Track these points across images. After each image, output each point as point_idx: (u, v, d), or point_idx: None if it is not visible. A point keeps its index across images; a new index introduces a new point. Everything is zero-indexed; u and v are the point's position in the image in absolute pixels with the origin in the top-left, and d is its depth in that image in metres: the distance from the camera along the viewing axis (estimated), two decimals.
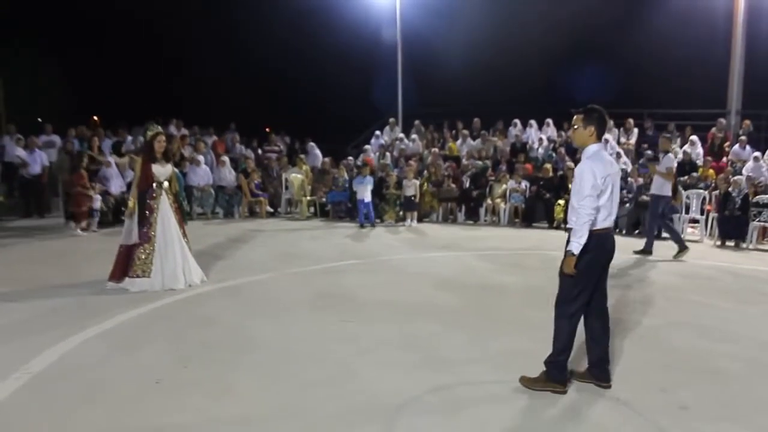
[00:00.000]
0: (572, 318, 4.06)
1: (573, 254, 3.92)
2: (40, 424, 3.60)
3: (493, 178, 14.36)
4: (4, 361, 4.52)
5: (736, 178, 11.46)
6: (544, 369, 4.15)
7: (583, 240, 3.89)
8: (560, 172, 13.83)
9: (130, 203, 6.97)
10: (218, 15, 26.95)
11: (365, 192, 13.32)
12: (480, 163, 15.31)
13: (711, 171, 13.65)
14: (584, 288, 4.03)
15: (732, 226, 11.05)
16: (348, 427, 3.63)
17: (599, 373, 4.23)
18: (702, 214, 12.01)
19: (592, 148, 4.09)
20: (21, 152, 13.52)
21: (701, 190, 12.33)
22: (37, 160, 13.62)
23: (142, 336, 5.27)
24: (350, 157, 16.58)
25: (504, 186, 14.01)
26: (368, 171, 13.80)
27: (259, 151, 18.18)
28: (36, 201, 13.73)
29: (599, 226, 3.99)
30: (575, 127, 4.19)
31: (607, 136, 15.82)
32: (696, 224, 12.21)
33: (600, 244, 4.01)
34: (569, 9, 21.19)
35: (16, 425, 3.59)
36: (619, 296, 6.87)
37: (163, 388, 4.13)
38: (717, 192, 11.78)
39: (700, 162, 14.34)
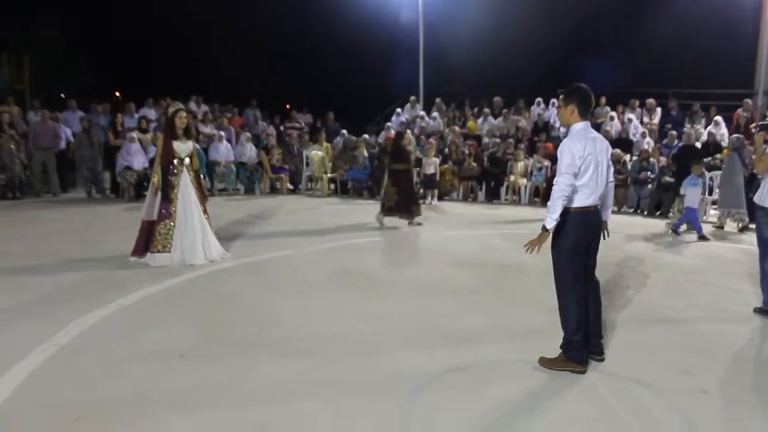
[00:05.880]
0: (575, 296, 4.10)
1: (546, 230, 3.99)
2: (68, 395, 3.68)
3: (512, 157, 14.25)
4: (32, 334, 4.62)
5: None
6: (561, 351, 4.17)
7: (556, 215, 3.94)
8: None
9: (155, 179, 7.03)
10: None
11: (695, 196, 9.76)
12: (498, 140, 15.21)
13: None
14: (576, 265, 4.10)
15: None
16: (370, 404, 3.66)
17: (592, 346, 4.27)
18: None
19: (577, 126, 4.12)
20: None
21: None
22: (62, 135, 13.75)
23: (165, 311, 5.35)
24: (365, 135, 16.47)
25: (522, 163, 13.90)
26: (699, 170, 10.04)
27: (281, 128, 18.18)
28: (60, 176, 13.87)
29: (581, 204, 4.04)
30: (559, 106, 4.23)
31: (630, 115, 15.65)
32: None
33: (583, 222, 4.07)
34: None
35: (45, 395, 3.68)
36: (642, 279, 6.83)
37: (186, 362, 4.19)
38: None
39: (724, 143, 14.10)
